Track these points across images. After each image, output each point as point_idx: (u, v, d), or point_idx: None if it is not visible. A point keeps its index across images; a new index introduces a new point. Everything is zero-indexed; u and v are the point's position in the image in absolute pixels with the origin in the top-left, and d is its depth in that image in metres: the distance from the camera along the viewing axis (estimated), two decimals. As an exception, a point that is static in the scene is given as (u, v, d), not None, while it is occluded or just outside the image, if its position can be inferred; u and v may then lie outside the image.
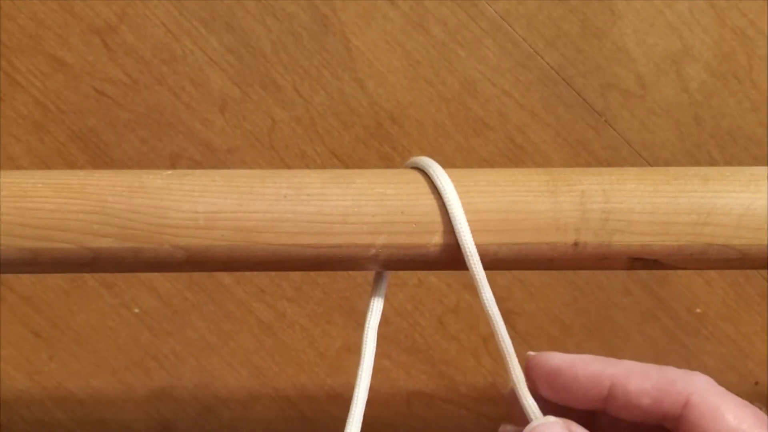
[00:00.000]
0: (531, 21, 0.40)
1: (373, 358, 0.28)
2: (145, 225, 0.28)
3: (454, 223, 0.28)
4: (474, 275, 0.28)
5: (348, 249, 0.29)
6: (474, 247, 0.28)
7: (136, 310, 0.42)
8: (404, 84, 0.40)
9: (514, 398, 0.29)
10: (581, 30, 0.40)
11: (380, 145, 0.41)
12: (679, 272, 0.42)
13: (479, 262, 0.28)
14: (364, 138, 0.41)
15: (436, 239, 0.29)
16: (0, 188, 0.28)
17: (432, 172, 0.29)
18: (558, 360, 0.28)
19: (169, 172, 0.29)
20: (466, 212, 0.29)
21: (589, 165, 0.41)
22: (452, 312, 0.43)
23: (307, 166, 0.41)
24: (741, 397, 0.45)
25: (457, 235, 0.28)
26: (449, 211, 0.28)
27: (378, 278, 0.30)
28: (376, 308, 0.29)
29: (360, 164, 0.41)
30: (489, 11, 0.40)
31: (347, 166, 0.41)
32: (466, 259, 0.28)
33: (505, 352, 0.29)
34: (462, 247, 0.28)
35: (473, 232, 0.29)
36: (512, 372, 0.29)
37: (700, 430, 0.26)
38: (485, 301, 0.29)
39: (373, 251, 0.29)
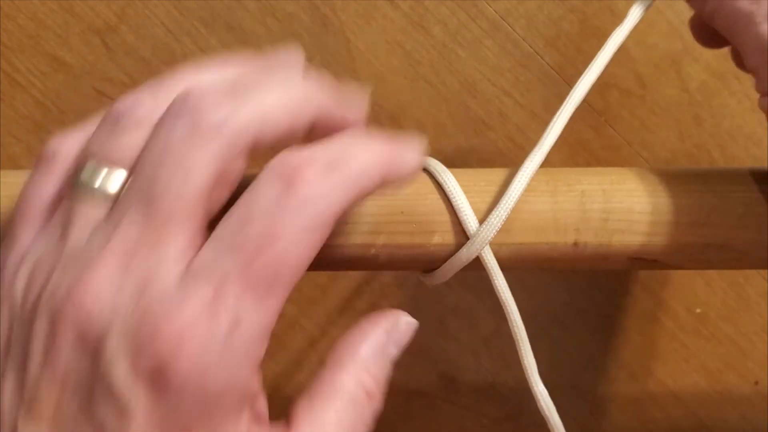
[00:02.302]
0: (531, 21, 0.40)
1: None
2: (145, 225, 0.27)
3: (458, 212, 0.28)
4: (485, 263, 0.28)
5: (348, 249, 0.29)
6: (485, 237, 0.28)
7: (136, 310, 0.42)
8: (404, 84, 0.40)
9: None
10: (581, 30, 0.40)
11: (380, 145, 0.41)
12: (679, 272, 0.42)
13: (491, 253, 0.28)
14: (364, 138, 0.41)
15: (436, 239, 0.29)
16: (0, 188, 0.28)
17: (433, 170, 0.29)
18: None
19: (169, 172, 0.29)
20: (466, 212, 0.29)
21: (589, 165, 0.41)
22: (452, 312, 0.43)
23: (307, 166, 0.41)
24: (741, 397, 0.45)
25: (463, 224, 0.28)
26: (453, 202, 0.28)
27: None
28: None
29: (360, 164, 0.41)
30: (489, 11, 0.40)
31: (347, 166, 0.41)
32: (479, 252, 0.28)
33: (518, 337, 0.29)
34: (468, 234, 0.28)
35: (473, 232, 0.29)
36: (524, 359, 0.29)
37: None
38: (499, 288, 0.29)
39: (372, 251, 0.29)
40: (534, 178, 0.30)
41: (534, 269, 0.30)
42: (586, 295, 0.43)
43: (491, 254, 0.28)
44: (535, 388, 0.29)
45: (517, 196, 0.28)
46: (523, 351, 0.29)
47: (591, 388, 0.44)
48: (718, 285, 0.42)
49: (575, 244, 0.29)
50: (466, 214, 0.28)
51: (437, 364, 0.44)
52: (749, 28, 0.25)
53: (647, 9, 0.30)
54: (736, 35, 0.26)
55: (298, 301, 0.42)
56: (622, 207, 0.29)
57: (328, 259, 0.29)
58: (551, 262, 0.29)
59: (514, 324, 0.29)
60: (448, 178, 0.29)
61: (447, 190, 0.28)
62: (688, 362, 0.43)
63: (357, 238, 0.28)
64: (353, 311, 0.43)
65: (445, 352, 0.44)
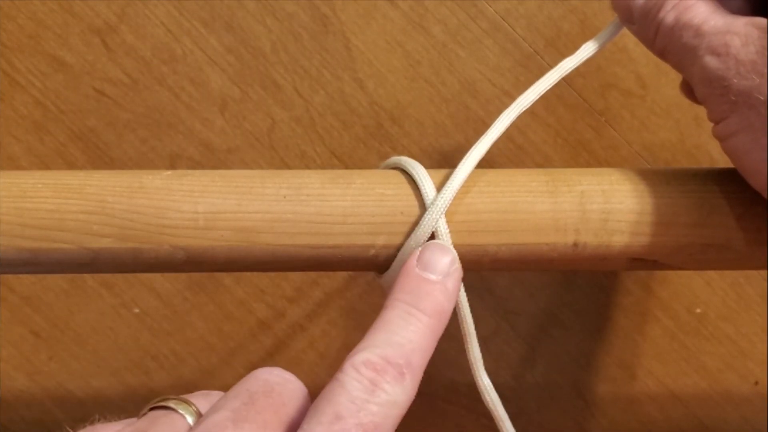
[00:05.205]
0: (531, 21, 0.40)
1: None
2: (145, 225, 0.28)
3: (419, 185, 0.28)
4: (438, 236, 0.28)
5: (347, 249, 0.29)
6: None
7: (136, 310, 0.42)
8: (404, 84, 0.40)
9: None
10: (581, 30, 0.40)
11: (380, 145, 0.41)
12: (679, 272, 0.42)
13: (446, 226, 0.28)
14: (364, 138, 0.41)
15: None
16: (0, 188, 0.28)
17: (411, 170, 0.29)
18: None
19: (169, 172, 0.29)
20: (466, 212, 0.29)
21: (589, 165, 0.41)
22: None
23: (307, 166, 0.41)
24: (741, 397, 0.45)
25: (423, 195, 0.28)
26: (414, 178, 0.29)
27: None
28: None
29: (360, 164, 0.41)
30: (489, 11, 0.40)
31: (347, 166, 0.41)
32: (436, 222, 0.28)
33: (465, 332, 0.29)
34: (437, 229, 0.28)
35: (473, 232, 0.29)
36: (470, 353, 0.29)
37: None
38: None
39: (372, 251, 0.29)
40: (534, 179, 0.30)
41: (534, 269, 0.30)
42: (586, 295, 0.43)
43: (446, 227, 0.28)
44: (480, 381, 0.30)
45: (470, 167, 0.28)
46: (469, 344, 0.29)
47: (591, 388, 0.44)
48: (718, 285, 0.42)
49: (575, 244, 0.29)
50: (424, 185, 0.28)
51: (437, 364, 0.44)
52: (695, 62, 0.26)
53: (601, 47, 0.31)
54: (684, 69, 0.27)
55: (298, 300, 0.42)
56: (622, 207, 0.29)
57: (329, 259, 0.29)
58: (551, 262, 0.29)
59: (463, 319, 0.29)
60: (415, 165, 0.29)
61: (408, 168, 0.29)
62: (688, 362, 0.43)
63: (357, 239, 0.28)
64: (354, 312, 0.43)
65: (444, 352, 0.44)
